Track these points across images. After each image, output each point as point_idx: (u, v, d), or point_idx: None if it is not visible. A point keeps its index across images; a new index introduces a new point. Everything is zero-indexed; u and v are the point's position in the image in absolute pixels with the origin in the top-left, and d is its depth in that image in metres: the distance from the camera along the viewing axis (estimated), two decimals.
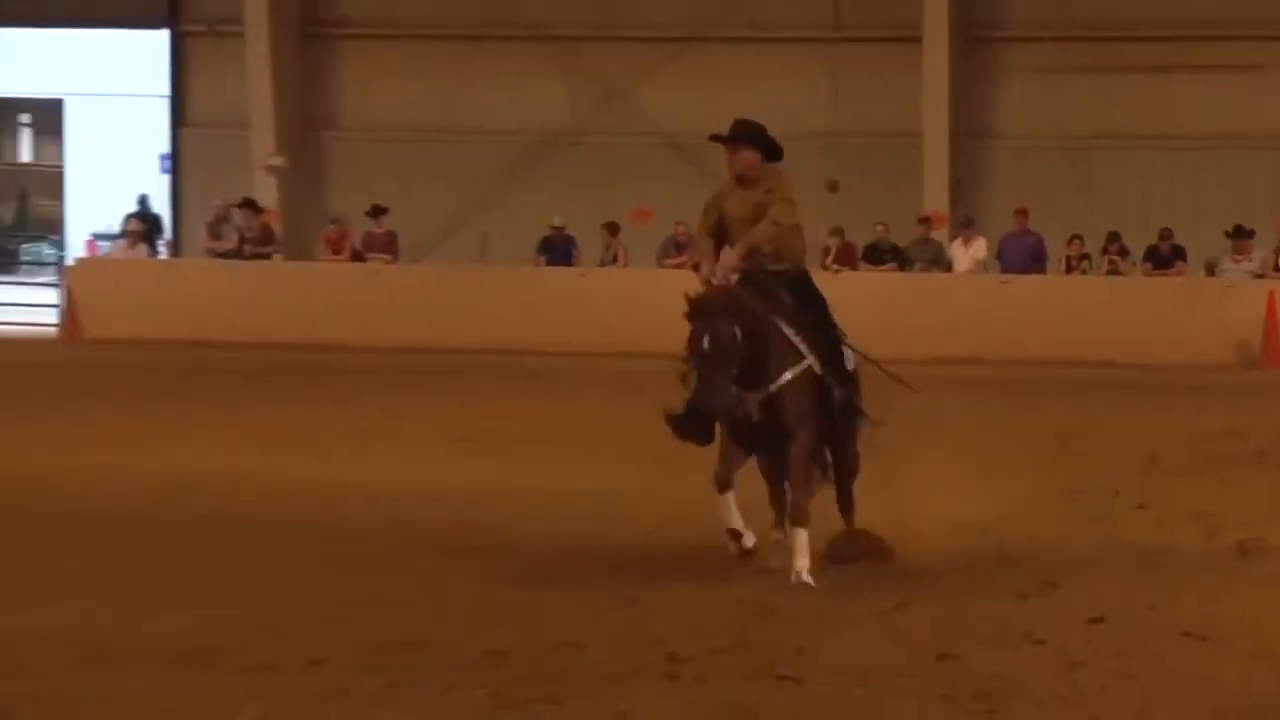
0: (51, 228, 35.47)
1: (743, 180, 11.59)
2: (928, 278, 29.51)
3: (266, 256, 30.32)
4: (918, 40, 30.83)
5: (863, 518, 12.57)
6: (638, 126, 31.78)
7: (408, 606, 10.86)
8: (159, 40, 32.96)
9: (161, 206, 32.78)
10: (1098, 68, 30.93)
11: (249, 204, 30.52)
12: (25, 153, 38.28)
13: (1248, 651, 9.86)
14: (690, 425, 11.22)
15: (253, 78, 31.80)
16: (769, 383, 11.17)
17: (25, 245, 36.49)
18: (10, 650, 9.78)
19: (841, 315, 31.60)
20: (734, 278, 11.33)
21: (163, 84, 33.04)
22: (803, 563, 11.26)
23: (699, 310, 10.99)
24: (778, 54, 31.39)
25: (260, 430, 19.09)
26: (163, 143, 33.19)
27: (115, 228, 32.19)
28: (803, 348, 11.35)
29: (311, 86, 32.71)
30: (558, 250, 30.25)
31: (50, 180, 35.73)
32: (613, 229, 30.01)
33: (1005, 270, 29.51)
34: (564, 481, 11.37)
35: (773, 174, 11.67)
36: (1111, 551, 12.78)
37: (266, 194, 31.37)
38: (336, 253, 30.44)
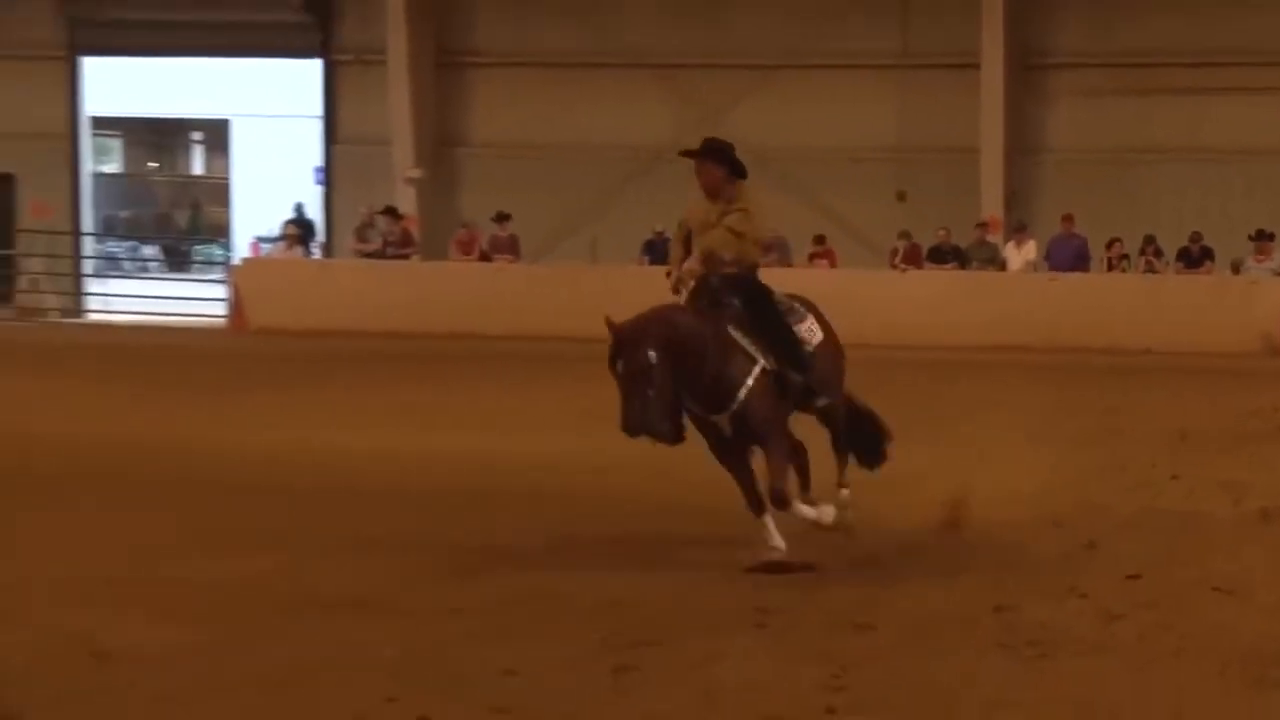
0: (220, 232, 35.66)
1: (709, 194, 11.02)
2: (984, 276, 29.43)
3: (405, 257, 30.50)
4: (976, 67, 30.69)
5: (932, 486, 12.54)
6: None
7: (535, 562, 10.93)
8: (313, 68, 33.11)
9: (315, 213, 32.92)
10: (1137, 90, 30.72)
11: (391, 211, 30.72)
12: (197, 166, 38.51)
13: (1270, 605, 9.84)
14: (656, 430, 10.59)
15: (394, 101, 31.93)
16: (731, 401, 10.57)
17: (197, 247, 36.74)
18: (217, 591, 9.96)
19: (909, 308, 31.55)
20: (692, 282, 10.85)
21: (316, 106, 33.17)
22: (775, 549, 10.70)
23: (615, 339, 10.29)
24: (853, 79, 31.30)
25: (402, 408, 19.18)
26: (316, 158, 33.33)
27: (275, 232, 32.41)
28: (753, 350, 10.71)
29: (445, 108, 32.81)
30: (659, 252, 30.27)
31: (218, 190, 35.91)
32: None
33: (1053, 269, 29.41)
34: (670, 451, 11.32)
35: (737, 188, 11.06)
36: (1148, 516, 12.74)
37: (406, 203, 31.52)
38: (466, 254, 30.58)
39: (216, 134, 35.62)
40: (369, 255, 30.34)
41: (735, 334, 10.68)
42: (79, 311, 32.39)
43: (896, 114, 31.36)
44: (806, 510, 10.96)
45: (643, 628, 9.58)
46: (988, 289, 28.89)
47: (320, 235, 32.83)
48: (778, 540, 10.69)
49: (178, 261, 36.79)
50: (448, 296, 29.02)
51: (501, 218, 30.39)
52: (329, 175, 33.12)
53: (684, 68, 31.84)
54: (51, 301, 32.28)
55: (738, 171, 11.08)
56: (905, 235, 29.86)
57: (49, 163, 33.19)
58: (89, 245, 34.47)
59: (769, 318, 10.92)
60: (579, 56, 31.99)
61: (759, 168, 32.61)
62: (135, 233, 37.68)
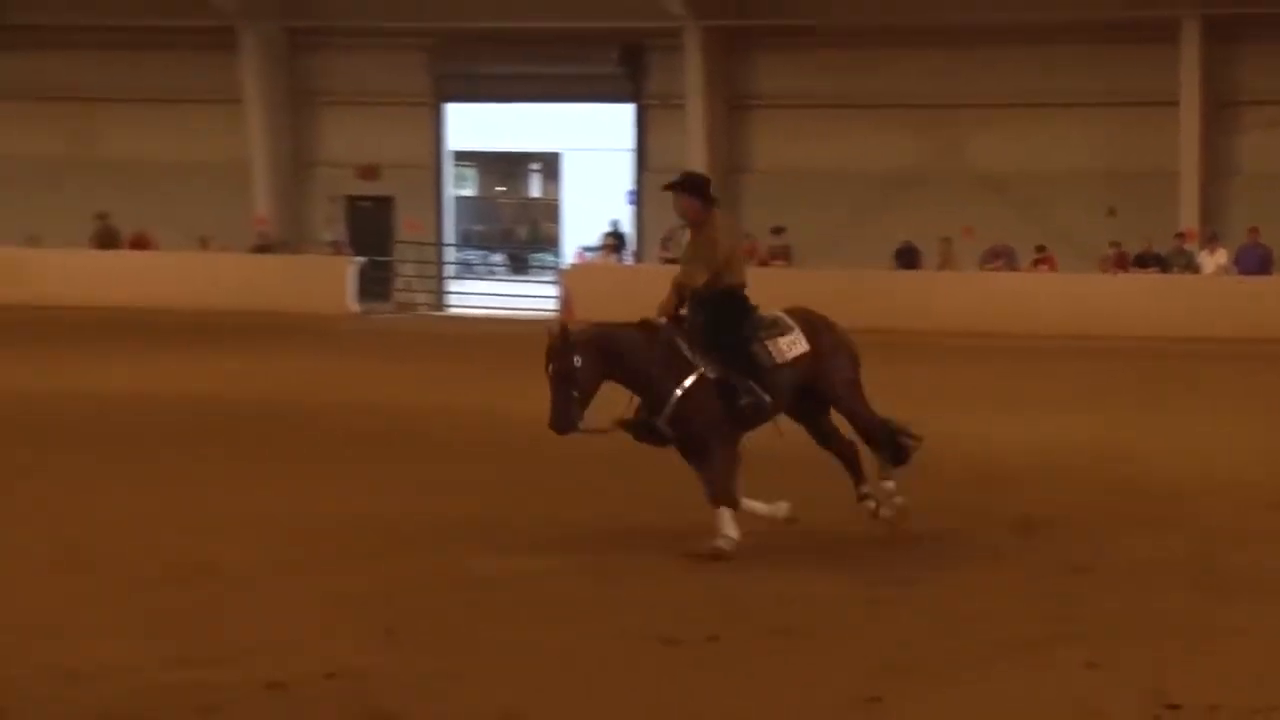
0: (552, 242, 36.15)
1: (687, 222, 10.23)
2: (1182, 279, 28.71)
3: None
4: (1175, 104, 29.97)
5: (1153, 469, 12.22)
6: (966, 170, 31.36)
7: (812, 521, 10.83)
8: (627, 111, 33.40)
9: (627, 228, 33.21)
10: None
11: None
12: (535, 190, 39.07)
13: None
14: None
15: (691, 137, 32.09)
16: (664, 405, 9.72)
17: (534, 255, 37.28)
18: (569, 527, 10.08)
19: (1115, 307, 30.70)
20: (670, 309, 9.89)
21: (629, 142, 33.46)
22: (724, 539, 9.66)
23: (549, 344, 9.66)
24: (1071, 115, 30.70)
25: None
26: (629, 183, 33.59)
27: (596, 242, 32.75)
28: (696, 359, 9.77)
29: (733, 142, 32.87)
30: (907, 258, 30.08)
31: (551, 209, 36.41)
32: (946, 243, 29.74)
33: (1241, 273, 28.60)
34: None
35: (708, 218, 10.11)
36: None
37: None
38: (747, 260, 30.61)
39: (550, 164, 36.10)
40: (671, 261, 30.50)
41: (681, 345, 9.81)
42: (442, 306, 33.09)
43: (1107, 144, 30.71)
44: (758, 506, 10.03)
45: (895, 568, 9.53)
46: (1184, 290, 28.21)
47: (632, 245, 33.06)
48: (731, 530, 9.69)
49: (519, 266, 37.37)
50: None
51: (777, 231, 30.43)
52: (639, 197, 33.35)
53: (926, 107, 31.50)
54: (421, 299, 33.02)
55: (709, 201, 10.15)
56: (1115, 245, 29.31)
57: (419, 188, 33.96)
58: (450, 253, 35.20)
59: (724, 332, 9.93)
60: (840, 99, 31.82)
61: (987, 188, 32.18)
62: (486, 243, 38.40)
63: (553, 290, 31.29)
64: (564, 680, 7.32)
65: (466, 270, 35.98)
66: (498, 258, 38.06)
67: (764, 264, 30.35)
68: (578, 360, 9.59)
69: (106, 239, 32.36)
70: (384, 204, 34.07)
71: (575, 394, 9.58)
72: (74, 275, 30.74)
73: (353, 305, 31.03)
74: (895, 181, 31.46)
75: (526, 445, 13.02)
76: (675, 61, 32.22)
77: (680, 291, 10.00)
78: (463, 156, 35.53)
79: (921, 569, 9.48)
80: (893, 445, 10.43)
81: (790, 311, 10.39)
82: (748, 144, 32.89)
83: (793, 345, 10.15)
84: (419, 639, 7.95)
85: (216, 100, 33.42)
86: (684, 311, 10.00)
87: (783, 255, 30.49)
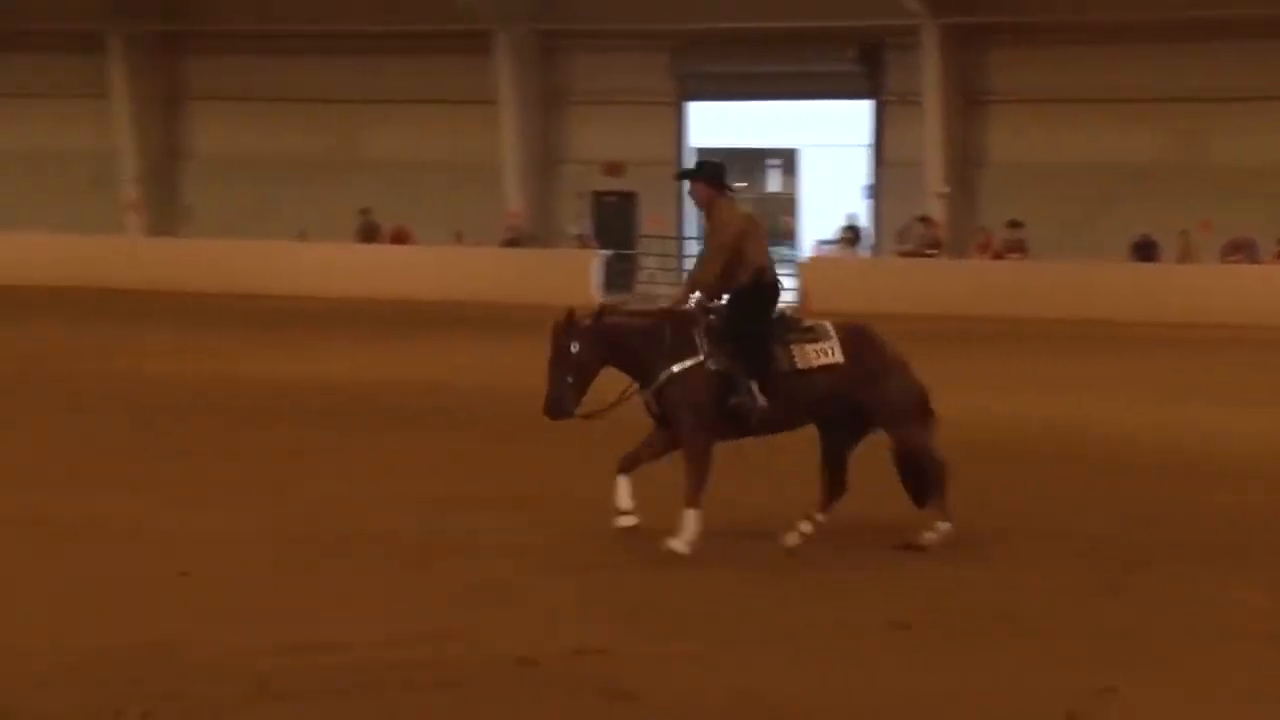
0: (790, 236, 36.06)
1: (702, 209, 9.84)
2: None
3: (934, 255, 30.30)
4: None
5: None
6: (1204, 163, 30.46)
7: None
8: (864, 107, 33.16)
9: (864, 222, 32.97)
10: None
11: (924, 219, 30.62)
12: (774, 185, 38.96)
13: None
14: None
15: (928, 132, 31.76)
16: (653, 379, 9.41)
17: (773, 248, 37.14)
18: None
19: None
20: (691, 301, 9.56)
21: (866, 137, 33.23)
22: (680, 540, 9.32)
23: (552, 330, 9.49)
24: None
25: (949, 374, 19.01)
26: (865, 178, 33.35)
27: (833, 236, 32.58)
28: (704, 348, 9.42)
29: (968, 137, 32.40)
30: (1145, 252, 29.37)
31: (789, 204, 36.33)
32: (1185, 236, 28.96)
33: None
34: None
35: (716, 205, 9.71)
36: None
37: (936, 212, 31.28)
38: (984, 253, 30.27)
39: (788, 160, 36.02)
40: (906, 254, 30.36)
41: (696, 334, 9.48)
42: None
43: None
44: (623, 497, 9.45)
45: (1128, 555, 9.33)
46: None
47: (868, 239, 32.81)
48: (690, 534, 9.34)
49: None
50: (967, 287, 28.77)
51: (1014, 224, 29.96)
52: (876, 191, 33.09)
53: (1163, 101, 30.67)
54: (663, 290, 33.17)
55: (719, 189, 9.77)
56: None
57: (662, 184, 34.04)
58: (691, 247, 35.31)
59: (748, 323, 9.52)
60: (1077, 94, 31.18)
61: (1233, 184, 31.53)
62: None
63: (790, 283, 31.17)
64: (799, 663, 7.30)
65: None
66: None
67: (999, 257, 29.95)
68: (574, 346, 9.39)
69: (369, 234, 33.23)
70: (628, 199, 34.38)
71: (569, 379, 9.39)
72: (338, 268, 31.61)
73: (598, 296, 31.34)
74: (1132, 175, 30.70)
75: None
76: (912, 58, 31.91)
77: (694, 286, 9.67)
78: (704, 153, 35.62)
79: (1148, 554, 9.25)
80: (937, 480, 9.64)
81: (844, 325, 9.77)
82: (984, 138, 32.40)
83: (822, 354, 9.52)
84: (661, 621, 7.99)
85: (471, 101, 34.06)
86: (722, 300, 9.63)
87: (1018, 248, 30.00)
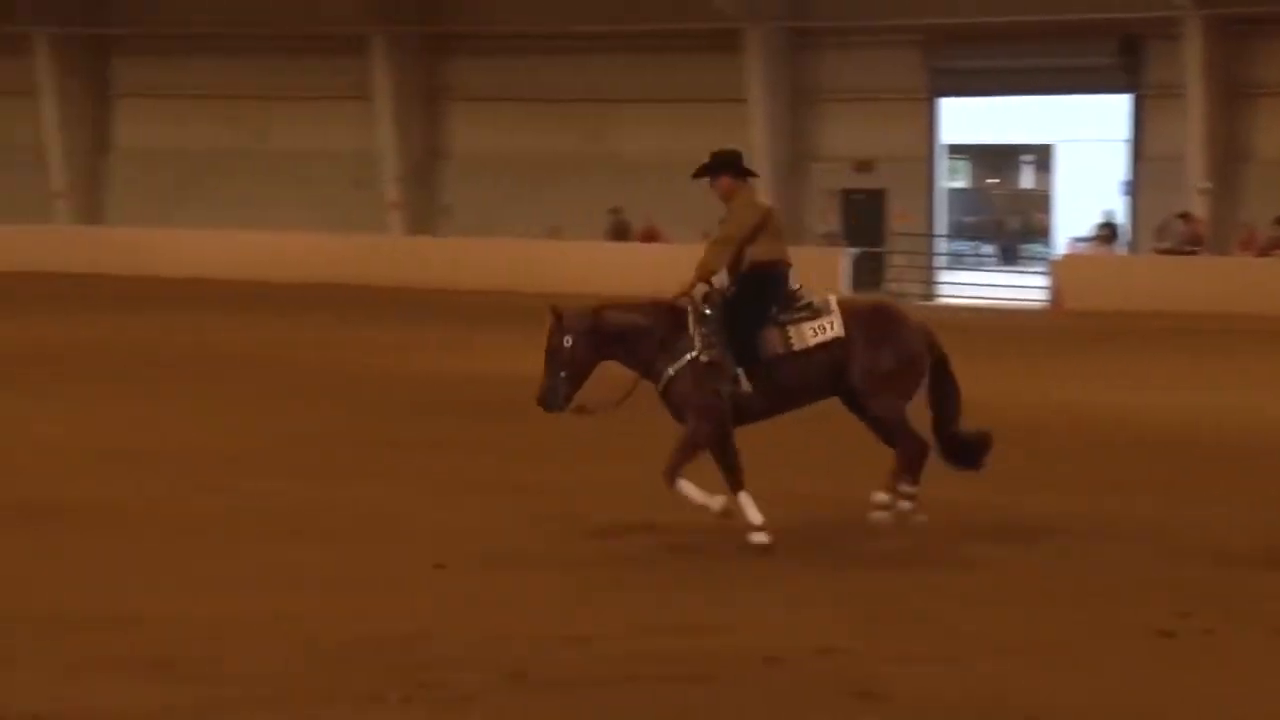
0: (1043, 234, 35.47)
1: (722, 200, 9.83)
2: None
3: (1195, 253, 29.47)
4: None
5: None
6: None
7: None
8: (1123, 101, 32.38)
9: (1121, 218, 32.19)
10: None
11: (1184, 216, 29.83)
12: (1027, 181, 38.44)
13: None
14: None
15: (1191, 126, 30.84)
16: (658, 382, 9.56)
17: (1025, 246, 36.59)
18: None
19: None
20: (698, 289, 9.66)
21: (1124, 132, 32.43)
22: (753, 532, 9.41)
23: (550, 325, 9.64)
24: None
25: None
26: (1123, 173, 32.57)
27: (1088, 233, 31.91)
28: (699, 342, 9.49)
29: (1234, 131, 31.28)
30: None
31: (1042, 201, 35.81)
32: None
33: None
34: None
35: (735, 194, 9.77)
36: None
37: (1198, 209, 30.37)
38: (1247, 250, 29.40)
39: (1042, 156, 35.51)
40: (1165, 252, 29.58)
41: (689, 325, 9.54)
42: (933, 296, 32.86)
43: None
44: (692, 492, 9.47)
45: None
46: None
47: (1125, 236, 32.03)
48: (753, 515, 9.46)
49: (1009, 257, 36.77)
50: (1232, 285, 27.88)
51: None
52: (1135, 187, 32.29)
53: None
54: (912, 289, 32.88)
55: (741, 174, 9.79)
56: None
57: (911, 180, 33.86)
58: (941, 245, 34.92)
59: (744, 310, 9.55)
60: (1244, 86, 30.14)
61: None
62: (977, 234, 37.93)
63: (1043, 281, 30.66)
64: (1049, 667, 7.17)
65: (957, 261, 35.66)
66: (988, 249, 37.57)
67: (1264, 254, 28.94)
68: (567, 340, 9.53)
69: (619, 232, 33.57)
70: (876, 196, 34.12)
71: (564, 374, 9.52)
72: (589, 266, 32.00)
73: (847, 294, 31.18)
74: None
75: (1023, 435, 12.81)
76: (1174, 51, 31.02)
77: (702, 274, 9.71)
78: (955, 149, 35.25)
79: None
80: (916, 458, 9.63)
81: (856, 301, 9.85)
82: (1248, 133, 31.35)
83: (820, 330, 9.59)
84: (903, 624, 7.93)
85: (721, 99, 34.15)
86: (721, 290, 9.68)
87: None
